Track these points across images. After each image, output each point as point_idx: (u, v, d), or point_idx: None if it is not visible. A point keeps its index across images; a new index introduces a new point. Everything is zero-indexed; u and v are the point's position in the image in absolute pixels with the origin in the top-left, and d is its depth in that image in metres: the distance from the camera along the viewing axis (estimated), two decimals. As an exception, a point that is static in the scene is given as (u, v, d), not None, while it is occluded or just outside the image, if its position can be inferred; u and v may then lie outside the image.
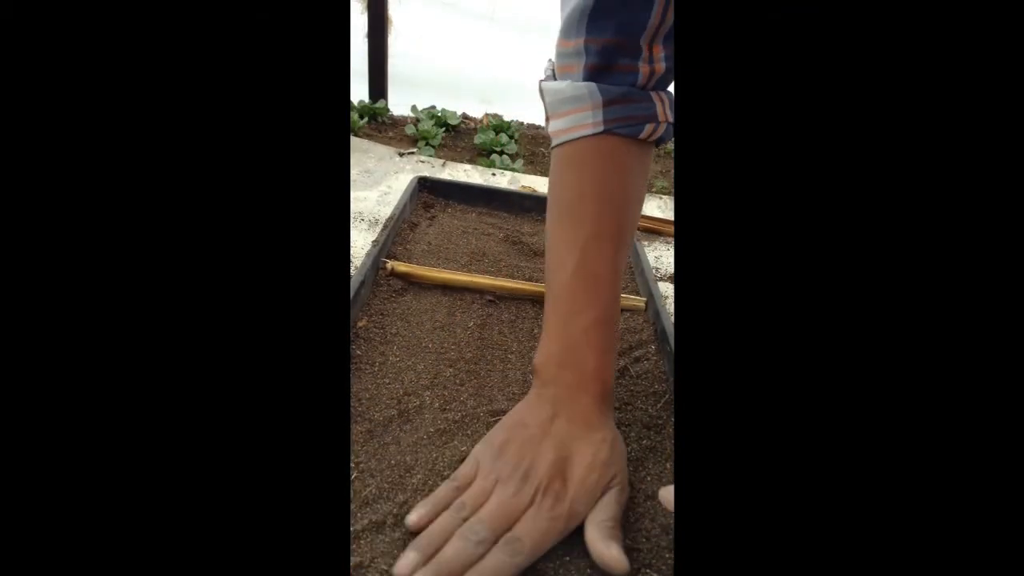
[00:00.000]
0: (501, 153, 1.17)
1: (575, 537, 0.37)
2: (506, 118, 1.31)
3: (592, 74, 0.44)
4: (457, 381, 0.49)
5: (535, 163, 1.19)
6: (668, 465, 0.43)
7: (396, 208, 0.70)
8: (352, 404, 0.45)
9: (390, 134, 1.20)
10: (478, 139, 1.19)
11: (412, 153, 1.05)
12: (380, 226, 0.73)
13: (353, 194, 0.86)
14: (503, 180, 1.00)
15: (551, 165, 0.49)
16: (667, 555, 0.37)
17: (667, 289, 0.72)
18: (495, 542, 0.35)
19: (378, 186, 0.90)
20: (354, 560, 0.34)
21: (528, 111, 1.33)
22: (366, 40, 1.27)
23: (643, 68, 0.44)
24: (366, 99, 1.30)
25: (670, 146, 1.34)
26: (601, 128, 0.44)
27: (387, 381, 0.48)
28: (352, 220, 0.78)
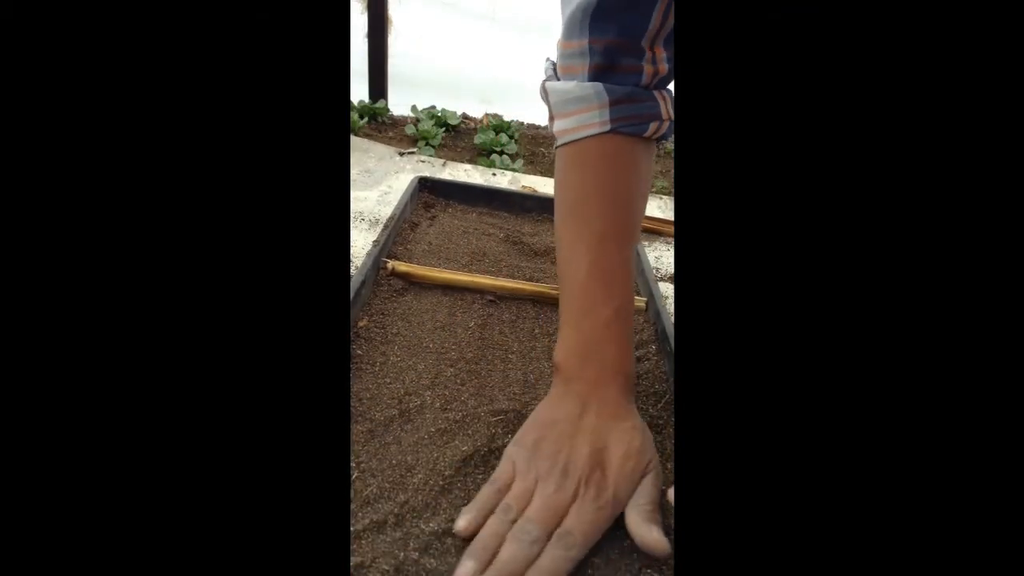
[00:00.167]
0: (501, 153, 1.17)
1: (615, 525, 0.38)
2: (506, 118, 1.31)
3: (597, 74, 0.45)
4: (458, 381, 0.49)
5: (535, 163, 1.19)
6: (668, 465, 0.43)
7: (396, 208, 0.70)
8: (353, 404, 0.45)
9: (390, 134, 1.20)
10: (478, 139, 1.19)
11: (412, 153, 1.05)
12: (380, 226, 0.73)
13: (353, 194, 0.86)
14: (503, 180, 1.00)
15: (556, 164, 0.49)
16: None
17: (667, 289, 0.72)
18: (547, 539, 0.35)
19: (378, 186, 0.90)
20: (354, 560, 0.34)
21: (528, 111, 1.33)
22: (366, 40, 1.27)
23: (647, 68, 0.45)
24: (366, 99, 1.30)
25: (670, 146, 1.34)
26: (608, 127, 0.45)
27: (388, 381, 0.48)
28: (352, 220, 0.78)
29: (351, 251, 0.69)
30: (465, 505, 0.38)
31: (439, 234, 0.72)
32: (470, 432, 0.44)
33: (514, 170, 1.08)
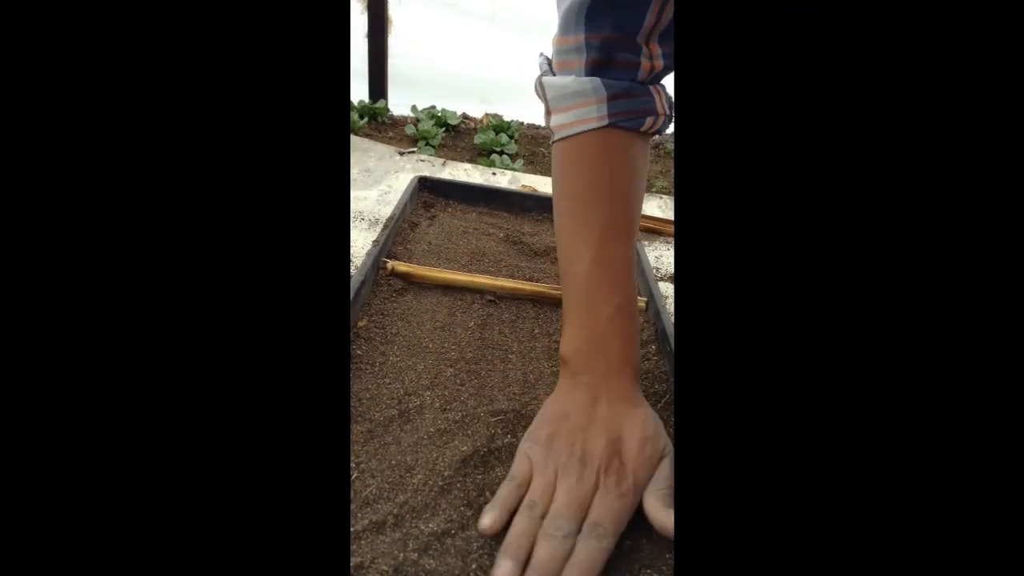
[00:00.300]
0: (501, 153, 1.17)
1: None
2: (506, 118, 1.31)
3: (594, 69, 0.45)
4: (458, 381, 0.49)
5: (535, 163, 1.19)
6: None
7: (396, 208, 0.70)
8: (352, 404, 0.45)
9: (390, 134, 1.20)
10: (478, 139, 1.18)
11: (412, 152, 1.05)
12: (380, 226, 0.73)
13: (353, 193, 0.86)
14: (503, 180, 1.00)
15: (554, 159, 0.49)
16: (667, 555, 0.37)
17: (667, 289, 0.72)
18: (578, 532, 0.35)
19: (378, 185, 0.90)
20: (354, 560, 0.34)
21: (528, 111, 1.33)
22: (366, 40, 1.27)
23: (644, 63, 0.45)
24: (366, 99, 1.30)
25: (670, 146, 1.34)
26: (606, 122, 0.45)
27: (387, 381, 0.48)
28: (352, 220, 0.78)
29: (351, 251, 0.69)
30: (464, 505, 0.38)
31: (439, 234, 0.72)
32: (470, 432, 0.44)
33: (514, 170, 1.08)
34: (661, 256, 0.81)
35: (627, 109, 0.45)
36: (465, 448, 0.42)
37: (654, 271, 0.75)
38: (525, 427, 0.45)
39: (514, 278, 0.64)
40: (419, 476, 0.40)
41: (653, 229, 0.87)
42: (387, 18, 1.28)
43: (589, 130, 0.46)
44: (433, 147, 1.14)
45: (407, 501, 0.38)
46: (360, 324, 0.53)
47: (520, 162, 1.14)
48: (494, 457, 0.42)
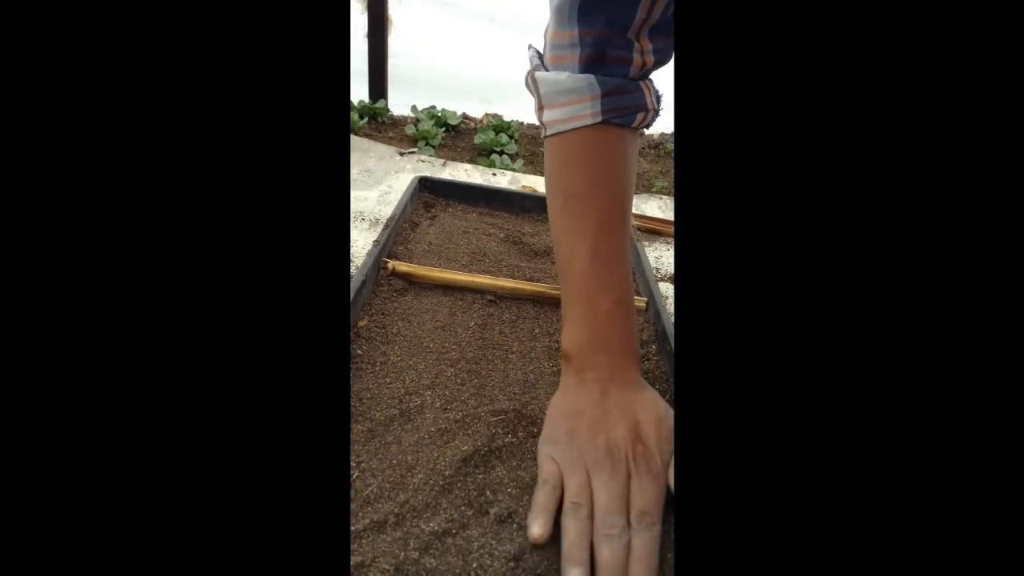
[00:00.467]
0: (501, 153, 1.17)
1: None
2: (506, 118, 1.31)
3: (587, 65, 0.46)
4: (458, 381, 0.49)
5: (535, 163, 1.19)
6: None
7: (397, 208, 0.70)
8: (353, 403, 0.45)
9: (390, 134, 1.20)
10: (478, 139, 1.19)
11: (413, 152, 1.05)
12: (381, 226, 0.73)
13: (353, 194, 0.86)
14: (503, 180, 1.00)
15: (546, 155, 0.50)
16: (667, 555, 0.37)
17: (667, 289, 0.72)
18: (629, 525, 0.36)
19: (378, 186, 0.90)
20: (355, 560, 0.34)
21: (528, 111, 1.32)
22: (366, 40, 1.27)
23: (636, 59, 0.46)
24: (366, 99, 1.30)
25: (670, 146, 1.34)
26: (600, 119, 0.46)
27: (388, 381, 0.48)
28: (353, 220, 0.78)
29: (351, 251, 0.69)
30: (465, 505, 0.38)
31: (439, 234, 0.72)
32: (470, 432, 0.44)
33: (514, 170, 1.08)
34: (661, 256, 0.81)
35: (620, 106, 0.46)
36: (466, 448, 0.42)
37: (654, 271, 0.75)
38: (525, 427, 0.45)
39: (514, 278, 0.64)
40: (420, 475, 0.40)
41: (653, 229, 0.87)
42: (387, 18, 1.28)
43: (583, 127, 0.46)
44: (433, 147, 1.14)
45: (408, 500, 0.38)
46: (361, 324, 0.53)
47: (520, 162, 1.14)
48: (495, 457, 0.42)
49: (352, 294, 0.51)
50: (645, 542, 0.35)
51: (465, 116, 1.34)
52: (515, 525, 0.37)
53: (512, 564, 0.35)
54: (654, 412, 0.42)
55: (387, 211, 0.80)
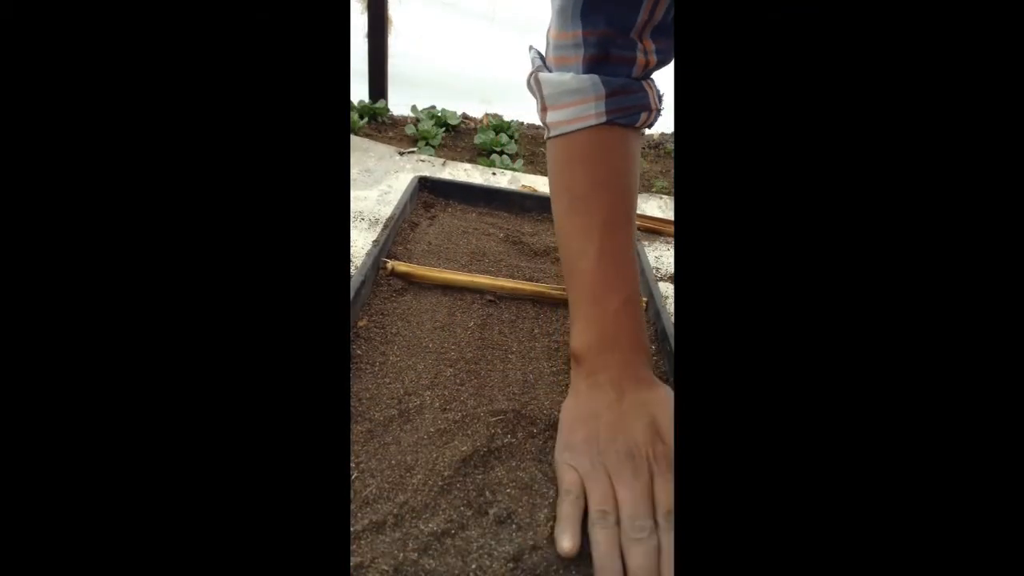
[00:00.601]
0: (501, 153, 1.17)
1: None
2: (506, 118, 1.31)
3: (591, 65, 0.46)
4: (457, 381, 0.49)
5: (535, 163, 1.18)
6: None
7: (396, 208, 0.70)
8: (352, 404, 0.45)
9: (390, 134, 1.20)
10: (478, 139, 1.18)
11: (412, 152, 1.05)
12: (380, 226, 0.73)
13: (353, 193, 0.86)
14: (503, 180, 1.00)
15: (550, 155, 0.50)
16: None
17: (667, 289, 0.72)
18: (656, 525, 0.36)
19: (378, 185, 0.90)
20: (354, 560, 0.34)
21: (528, 111, 1.32)
22: (366, 40, 1.27)
23: (639, 59, 0.46)
24: (366, 99, 1.30)
25: (670, 146, 1.34)
26: (604, 119, 0.46)
27: (387, 381, 0.48)
28: (352, 220, 0.78)
29: (351, 251, 0.69)
30: (464, 505, 0.38)
31: (439, 234, 0.72)
32: (470, 432, 0.44)
33: (514, 170, 1.08)
34: (661, 256, 0.81)
35: (624, 106, 0.46)
36: (465, 448, 0.42)
37: (654, 271, 0.75)
38: (525, 427, 0.45)
39: (514, 278, 0.64)
40: (419, 476, 0.40)
41: (653, 229, 0.87)
42: (387, 18, 1.28)
43: (587, 127, 0.46)
44: (433, 147, 1.14)
45: (407, 501, 0.38)
46: (360, 324, 0.53)
47: (520, 162, 1.14)
48: (494, 457, 0.42)
49: (351, 294, 0.51)
50: (673, 544, 0.35)
51: (465, 116, 1.33)
52: (514, 526, 0.37)
53: (511, 565, 0.35)
54: (669, 408, 0.42)
55: (387, 211, 0.80)
